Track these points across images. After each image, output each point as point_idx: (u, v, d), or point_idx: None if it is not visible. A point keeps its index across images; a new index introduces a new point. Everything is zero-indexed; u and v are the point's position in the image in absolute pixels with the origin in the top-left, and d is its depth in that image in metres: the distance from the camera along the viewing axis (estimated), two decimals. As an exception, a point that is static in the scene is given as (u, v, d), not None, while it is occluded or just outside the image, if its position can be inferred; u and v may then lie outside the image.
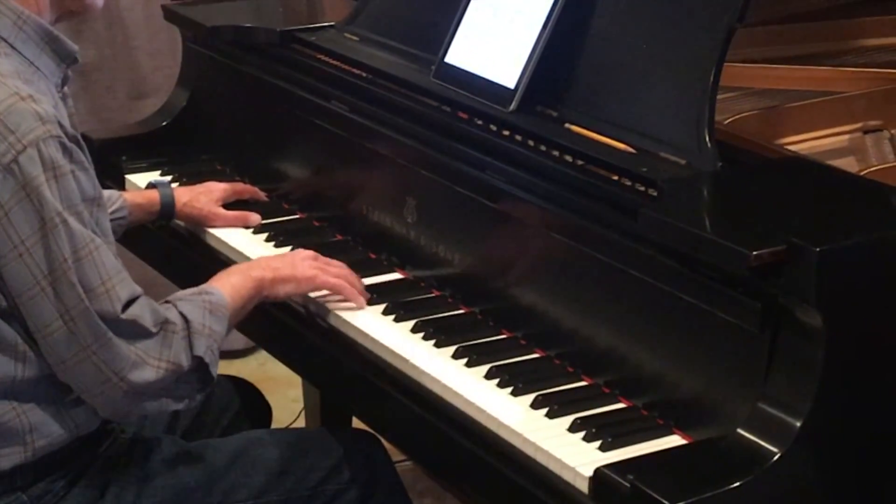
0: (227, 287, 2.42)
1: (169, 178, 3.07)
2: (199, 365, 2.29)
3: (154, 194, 2.90)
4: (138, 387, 2.22)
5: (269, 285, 2.49)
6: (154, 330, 2.23)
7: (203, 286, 2.41)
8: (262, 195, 3.00)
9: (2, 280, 2.18)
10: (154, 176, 3.15)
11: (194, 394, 2.33)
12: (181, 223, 2.94)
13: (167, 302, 2.33)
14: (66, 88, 2.39)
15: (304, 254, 2.61)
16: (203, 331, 2.29)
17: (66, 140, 2.18)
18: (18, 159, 2.13)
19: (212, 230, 2.89)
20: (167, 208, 2.88)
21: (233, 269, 2.52)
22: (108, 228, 2.30)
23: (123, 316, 2.20)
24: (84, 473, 2.34)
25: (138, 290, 2.25)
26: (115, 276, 2.20)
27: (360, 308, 2.53)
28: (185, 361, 2.26)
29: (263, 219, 2.91)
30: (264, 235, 2.84)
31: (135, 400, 2.25)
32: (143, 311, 2.23)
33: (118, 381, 2.21)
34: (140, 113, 3.88)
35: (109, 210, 2.65)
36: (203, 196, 2.92)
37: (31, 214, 2.14)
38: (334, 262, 2.60)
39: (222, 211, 2.91)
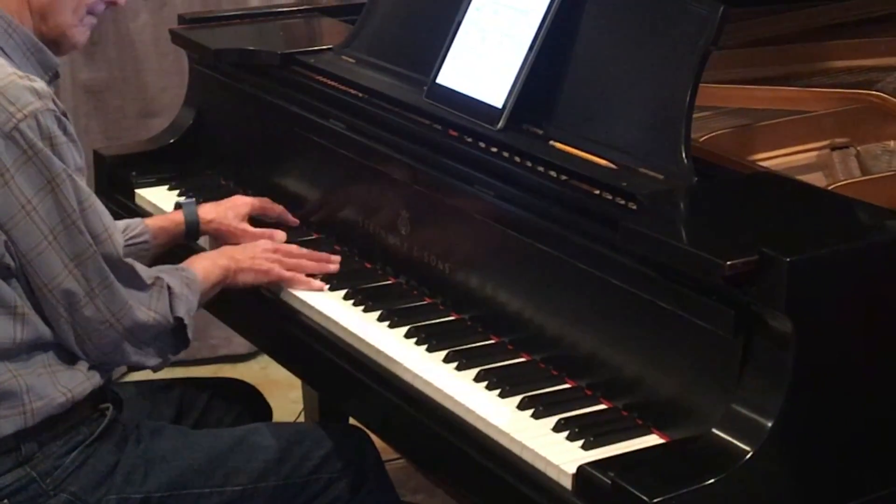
0: (199, 269, 2.53)
1: (194, 199, 3.04)
2: (179, 325, 2.39)
3: (178, 215, 2.84)
4: (131, 328, 2.33)
5: (232, 275, 2.59)
6: (148, 282, 2.36)
7: (179, 265, 2.52)
8: (290, 217, 2.93)
9: (10, 241, 2.23)
10: (162, 190, 3.15)
11: (168, 352, 2.44)
12: (208, 241, 2.88)
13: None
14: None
15: (264, 245, 2.68)
16: (182, 297, 2.41)
17: (59, 114, 2.26)
18: (19, 126, 2.21)
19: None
20: (192, 227, 2.83)
21: (202, 255, 2.64)
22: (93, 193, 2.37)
23: (124, 259, 2.32)
24: (92, 454, 2.36)
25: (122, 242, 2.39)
26: (111, 225, 2.33)
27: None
28: (169, 317, 2.38)
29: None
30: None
31: (125, 342, 2.35)
32: (135, 263, 2.36)
33: (114, 322, 2.31)
34: (149, 131, 3.88)
35: (129, 236, 2.70)
36: (230, 212, 2.85)
37: (35, 175, 2.22)
38: (294, 250, 2.68)
39: (249, 228, 2.84)
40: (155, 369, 2.48)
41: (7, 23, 2.33)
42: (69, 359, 2.35)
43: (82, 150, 2.33)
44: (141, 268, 2.38)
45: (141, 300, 2.35)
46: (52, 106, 2.25)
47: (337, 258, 2.69)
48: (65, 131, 2.26)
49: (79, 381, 2.34)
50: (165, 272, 2.45)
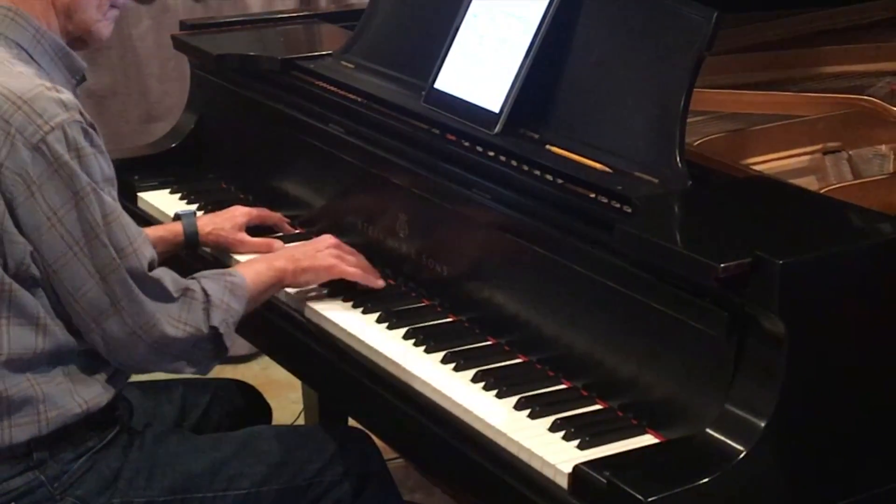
0: (250, 273, 2.48)
1: (195, 206, 3.03)
2: (215, 334, 2.34)
3: (177, 226, 2.84)
4: (159, 341, 2.29)
5: (290, 276, 2.54)
6: (175, 295, 2.31)
7: (228, 269, 2.48)
8: (287, 226, 2.94)
9: (36, 251, 2.22)
10: (164, 193, 3.14)
11: (207, 361, 2.39)
12: (208, 250, 2.87)
13: (192, 278, 2.39)
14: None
15: (326, 242, 2.64)
16: (221, 305, 2.35)
17: (86, 126, 2.24)
18: (46, 139, 2.19)
19: (237, 256, 2.82)
20: (191, 237, 2.82)
21: (259, 257, 2.59)
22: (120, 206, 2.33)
23: (150, 274, 2.28)
24: (99, 459, 2.35)
25: (155, 254, 2.34)
26: (139, 238, 2.28)
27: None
28: (203, 327, 2.33)
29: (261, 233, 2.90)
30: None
31: (155, 354, 2.31)
32: (164, 276, 2.31)
33: (142, 334, 2.27)
34: (151, 135, 3.88)
35: None
36: (227, 223, 2.85)
37: (62, 187, 2.20)
38: (354, 251, 2.64)
39: (247, 237, 2.84)
40: (198, 374, 2.45)
41: (35, 29, 2.33)
42: (89, 370, 2.33)
43: (110, 160, 2.31)
44: (171, 278, 2.33)
45: (170, 312, 2.30)
46: (78, 117, 2.22)
47: (382, 281, 2.63)
48: (91, 142, 2.24)
49: (96, 392, 2.33)
50: (208, 277, 2.40)
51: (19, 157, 2.18)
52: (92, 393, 2.32)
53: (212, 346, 2.37)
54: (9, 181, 2.19)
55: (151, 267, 2.30)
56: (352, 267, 2.58)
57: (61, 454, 2.31)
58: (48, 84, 2.24)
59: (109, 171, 2.29)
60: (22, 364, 2.26)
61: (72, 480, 2.31)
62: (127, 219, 2.28)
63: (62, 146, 2.19)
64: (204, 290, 2.35)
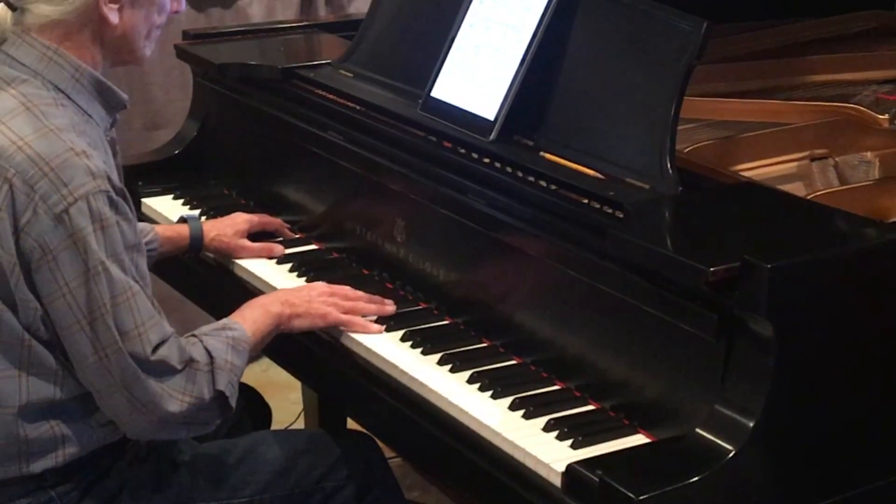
0: (248, 322, 2.38)
1: (197, 211, 3.03)
2: (220, 396, 2.27)
3: (184, 228, 2.84)
4: (164, 417, 2.21)
5: (286, 321, 2.45)
6: (179, 367, 2.22)
7: (226, 321, 2.38)
8: (288, 231, 2.93)
9: (46, 314, 2.18)
10: (167, 199, 3.14)
11: (214, 419, 2.31)
12: (210, 255, 2.87)
13: (193, 336, 2.31)
14: (113, 130, 2.38)
15: (320, 289, 2.54)
16: (225, 366, 2.27)
17: (113, 194, 2.17)
18: (69, 210, 2.12)
19: (238, 261, 2.82)
20: (196, 241, 2.82)
21: (254, 303, 2.47)
22: (146, 272, 2.27)
23: (153, 357, 2.19)
24: (107, 473, 2.33)
25: (169, 331, 2.23)
26: (148, 321, 2.19)
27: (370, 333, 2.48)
28: (207, 395, 2.24)
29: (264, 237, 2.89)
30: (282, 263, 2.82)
31: (161, 427, 2.24)
32: (171, 352, 2.21)
33: (146, 413, 2.20)
34: (155, 142, 3.87)
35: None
36: (229, 229, 2.84)
37: (77, 261, 2.13)
38: (350, 293, 2.54)
39: (248, 243, 2.83)
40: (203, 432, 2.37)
41: (75, 68, 2.26)
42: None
43: (136, 226, 2.25)
44: (178, 349, 2.23)
45: (174, 387, 2.21)
46: (105, 186, 2.15)
47: (392, 302, 2.54)
48: (117, 210, 2.17)
49: (114, 427, 2.29)
50: (209, 335, 2.31)
51: (40, 225, 2.13)
52: (110, 429, 2.28)
53: (217, 406, 2.29)
54: (28, 245, 2.14)
55: (160, 345, 2.20)
56: (346, 313, 2.49)
57: (73, 476, 2.29)
58: (77, 147, 2.16)
59: (134, 237, 2.22)
60: (42, 411, 2.23)
61: (80, 496, 2.29)
62: (141, 298, 2.18)
63: (85, 218, 2.13)
64: (208, 352, 2.27)
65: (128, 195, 2.24)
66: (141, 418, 2.21)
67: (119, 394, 2.19)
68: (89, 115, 2.28)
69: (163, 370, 2.20)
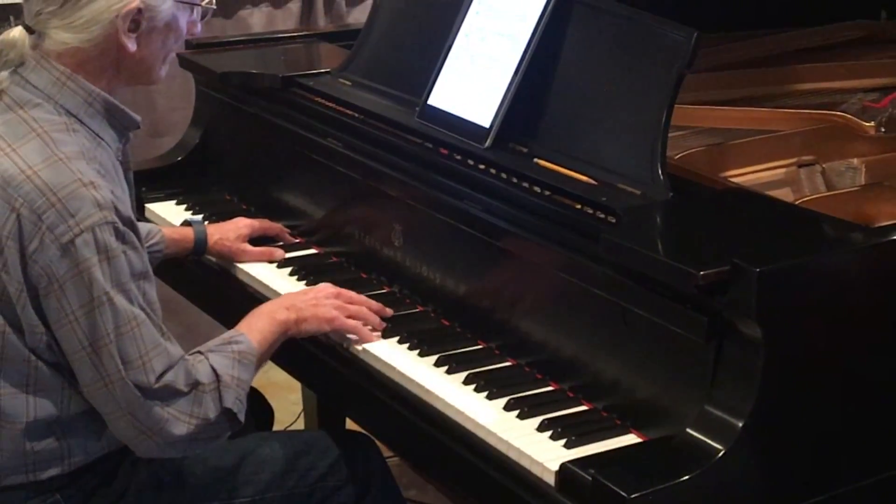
0: (254, 333, 2.36)
1: (200, 216, 3.03)
2: (228, 413, 2.25)
3: (188, 231, 2.84)
4: (170, 439, 2.20)
5: (293, 326, 2.43)
6: (186, 391, 2.20)
7: (232, 333, 2.36)
8: (288, 236, 2.93)
9: (53, 340, 2.17)
10: (171, 204, 3.14)
11: (223, 434, 2.30)
12: (212, 258, 2.88)
13: (199, 352, 2.28)
14: (127, 147, 2.37)
15: (327, 291, 2.52)
16: (231, 383, 2.25)
17: (119, 224, 2.15)
18: (75, 241, 2.10)
19: (240, 264, 2.82)
20: (200, 245, 2.83)
21: (260, 311, 2.44)
22: (154, 299, 2.24)
23: (156, 385, 2.17)
24: (113, 475, 2.33)
25: (176, 356, 2.21)
26: (153, 350, 2.17)
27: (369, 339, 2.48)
28: (213, 414, 2.22)
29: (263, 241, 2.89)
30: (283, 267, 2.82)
31: (169, 448, 2.23)
32: (176, 376, 2.19)
33: (151, 436, 2.19)
34: (158, 149, 3.86)
35: (149, 244, 2.65)
36: (231, 233, 2.84)
37: (82, 290, 2.12)
38: (356, 297, 2.53)
39: (249, 247, 2.83)
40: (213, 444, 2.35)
41: (88, 92, 2.24)
42: None
43: (144, 254, 2.22)
44: (184, 372, 2.20)
45: (180, 410, 2.19)
46: (111, 217, 2.13)
47: (391, 310, 2.53)
48: (123, 240, 2.15)
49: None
50: (214, 351, 2.28)
51: (47, 254, 2.11)
52: (115, 437, 2.26)
53: (226, 422, 2.27)
54: (35, 273, 2.13)
55: (165, 373, 2.18)
56: (352, 319, 2.47)
57: (79, 479, 2.28)
58: (85, 178, 2.13)
59: (141, 266, 2.20)
60: (49, 426, 2.23)
61: (84, 499, 2.29)
62: (146, 328, 2.16)
63: (90, 250, 2.11)
64: (213, 371, 2.24)
65: (136, 224, 2.22)
66: (148, 441, 2.20)
67: (123, 419, 2.18)
68: (101, 139, 2.27)
69: (168, 395, 2.19)
